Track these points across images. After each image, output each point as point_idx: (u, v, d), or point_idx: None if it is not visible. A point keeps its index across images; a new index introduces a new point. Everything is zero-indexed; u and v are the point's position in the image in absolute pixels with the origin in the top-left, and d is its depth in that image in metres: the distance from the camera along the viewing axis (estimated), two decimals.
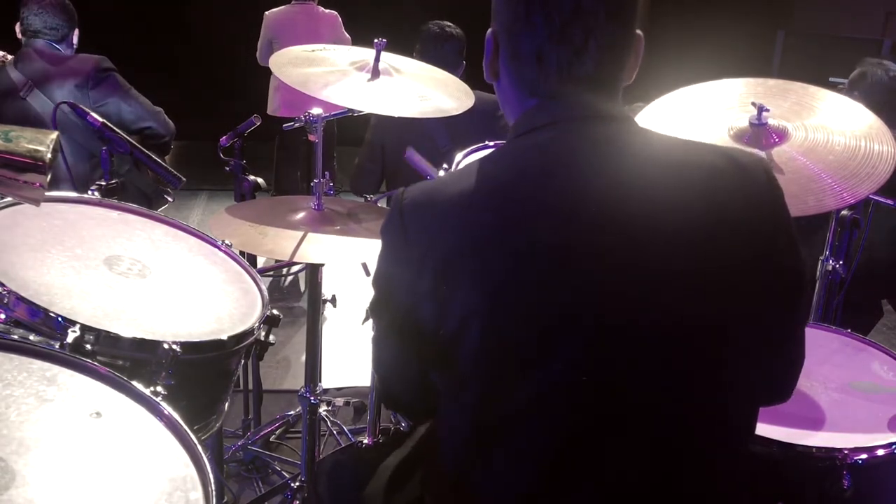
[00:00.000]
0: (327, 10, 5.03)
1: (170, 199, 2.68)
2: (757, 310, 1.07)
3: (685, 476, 1.08)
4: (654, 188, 1.04)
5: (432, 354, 1.09)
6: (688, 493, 1.09)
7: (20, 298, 1.33)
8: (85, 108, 2.16)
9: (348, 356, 3.46)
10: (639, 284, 1.02)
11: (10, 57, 2.81)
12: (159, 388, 1.32)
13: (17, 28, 2.84)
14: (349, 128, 3.76)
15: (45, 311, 1.33)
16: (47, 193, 1.24)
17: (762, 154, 1.66)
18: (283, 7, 4.99)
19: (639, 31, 1.11)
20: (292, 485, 2.38)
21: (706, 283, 1.03)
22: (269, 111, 4.95)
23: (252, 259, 2.39)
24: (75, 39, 2.91)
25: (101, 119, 2.09)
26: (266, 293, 1.72)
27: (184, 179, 2.22)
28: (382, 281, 1.13)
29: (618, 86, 1.11)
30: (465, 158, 2.38)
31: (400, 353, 1.16)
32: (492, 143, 2.46)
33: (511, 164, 1.09)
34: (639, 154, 1.07)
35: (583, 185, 1.03)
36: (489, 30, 1.12)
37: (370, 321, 2.09)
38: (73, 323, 1.32)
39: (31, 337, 1.26)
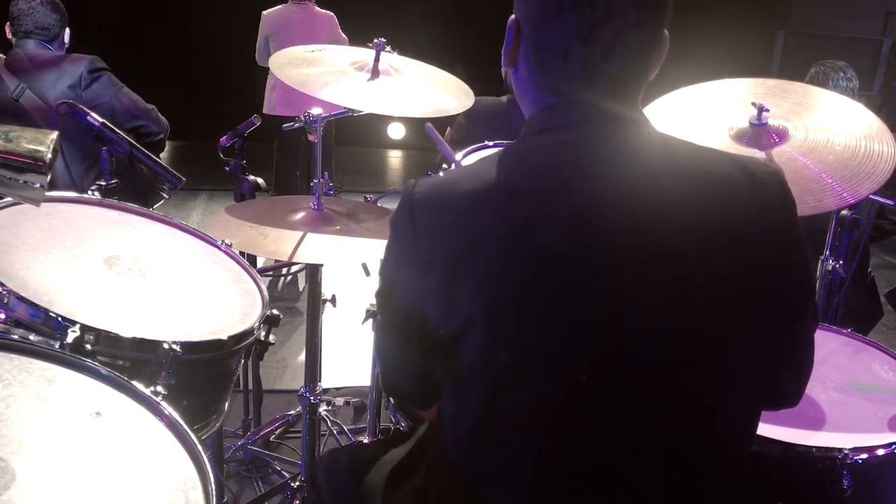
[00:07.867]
0: (324, 11, 5.04)
1: (165, 195, 2.66)
2: (765, 322, 1.07)
3: (686, 479, 1.08)
4: (666, 196, 1.02)
5: (434, 349, 1.09)
6: (688, 495, 1.09)
7: (20, 298, 1.33)
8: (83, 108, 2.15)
9: (348, 356, 3.46)
10: (646, 293, 1.01)
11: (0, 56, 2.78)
12: (159, 388, 1.32)
13: (7, 28, 2.79)
14: (348, 128, 3.75)
15: (45, 311, 1.33)
16: (47, 193, 1.24)
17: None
18: (279, 6, 4.99)
19: (665, 32, 1.08)
20: (292, 485, 2.38)
21: (714, 293, 1.02)
22: (265, 110, 4.95)
23: (252, 259, 2.39)
24: (67, 38, 2.86)
25: (100, 119, 2.08)
26: (266, 293, 1.71)
27: (184, 179, 2.21)
28: (388, 271, 1.12)
29: (640, 87, 1.09)
30: (465, 158, 2.39)
31: (402, 344, 1.15)
32: (491, 143, 2.46)
33: (524, 165, 1.07)
34: (653, 161, 1.05)
35: (595, 190, 1.02)
36: (511, 16, 1.09)
37: (370, 321, 2.10)
38: (73, 323, 1.32)
39: (31, 337, 1.26)
